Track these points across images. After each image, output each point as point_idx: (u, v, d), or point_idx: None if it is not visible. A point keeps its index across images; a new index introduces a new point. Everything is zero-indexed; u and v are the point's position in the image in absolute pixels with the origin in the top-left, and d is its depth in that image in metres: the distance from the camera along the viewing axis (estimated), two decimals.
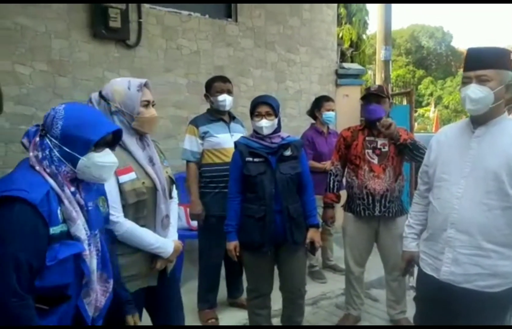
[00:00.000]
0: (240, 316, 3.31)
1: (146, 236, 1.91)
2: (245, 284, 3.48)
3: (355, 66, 6.28)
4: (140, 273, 1.93)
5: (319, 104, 4.07)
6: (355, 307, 3.30)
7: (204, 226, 3.27)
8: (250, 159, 2.60)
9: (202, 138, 3.22)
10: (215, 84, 3.29)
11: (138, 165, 1.91)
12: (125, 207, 1.86)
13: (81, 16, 3.82)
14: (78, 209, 1.40)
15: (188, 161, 3.25)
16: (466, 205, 1.87)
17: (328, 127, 4.11)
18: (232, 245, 2.64)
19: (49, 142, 1.37)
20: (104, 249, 1.54)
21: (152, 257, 1.96)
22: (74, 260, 1.38)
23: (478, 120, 1.91)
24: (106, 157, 1.45)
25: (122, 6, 3.90)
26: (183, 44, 4.48)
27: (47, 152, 1.36)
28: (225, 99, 3.22)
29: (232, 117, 3.40)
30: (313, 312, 3.51)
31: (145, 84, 1.94)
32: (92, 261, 1.45)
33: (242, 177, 2.62)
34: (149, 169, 1.93)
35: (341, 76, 5.80)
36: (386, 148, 3.08)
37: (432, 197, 2.06)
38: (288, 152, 2.64)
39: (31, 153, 1.36)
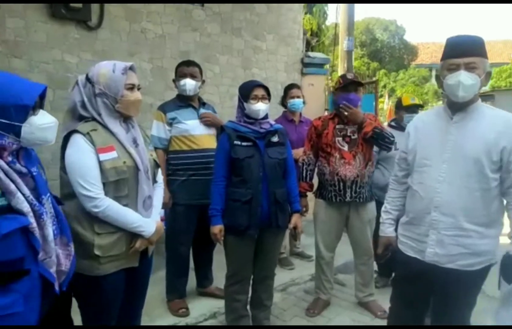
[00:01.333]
0: (210, 305, 3.28)
1: (128, 214, 1.90)
2: (215, 273, 3.48)
3: (320, 55, 6.35)
4: (122, 253, 1.92)
5: (285, 92, 4.08)
6: (325, 292, 3.36)
7: (171, 214, 3.20)
8: (238, 143, 2.60)
9: (170, 124, 3.14)
10: (179, 68, 3.24)
11: (121, 145, 1.91)
12: (105, 185, 1.85)
13: None
14: (19, 181, 1.33)
15: (155, 148, 3.16)
16: (448, 188, 1.94)
17: (300, 115, 4.12)
18: (217, 228, 2.62)
19: None
20: (59, 212, 1.51)
21: (133, 237, 1.94)
22: (22, 233, 1.32)
23: (456, 107, 1.97)
24: (46, 118, 1.45)
25: None
26: (148, 27, 4.32)
27: None
28: (185, 84, 3.14)
29: (202, 103, 3.33)
30: (283, 298, 3.55)
31: (131, 68, 1.94)
32: (48, 229, 1.40)
33: (229, 161, 2.61)
34: (132, 150, 1.92)
35: (307, 65, 5.84)
36: (356, 136, 3.14)
37: (412, 182, 2.12)
38: (275, 139, 2.70)
39: None
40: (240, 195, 2.60)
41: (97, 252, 1.84)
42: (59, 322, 1.61)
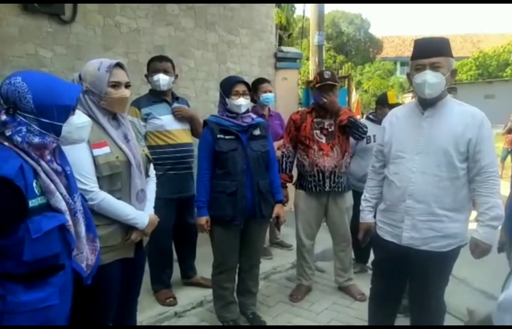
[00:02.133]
0: (196, 294, 3.35)
1: (123, 207, 1.96)
2: (199, 265, 3.54)
3: (293, 50, 6.46)
4: (117, 245, 1.97)
5: (255, 87, 4.03)
6: (306, 278, 3.49)
7: None
8: (221, 136, 2.67)
9: (145, 120, 3.15)
10: (152, 64, 3.26)
11: (112, 141, 1.95)
12: (100, 179, 1.90)
13: None
14: (57, 180, 1.38)
15: None
16: (421, 178, 2.11)
17: (269, 109, 4.18)
18: (204, 219, 2.69)
19: (23, 118, 1.32)
20: (86, 210, 1.57)
21: (128, 229, 2.00)
22: (59, 231, 1.38)
23: (427, 103, 2.14)
24: (82, 118, 1.53)
25: None
26: (122, 21, 4.27)
27: (23, 128, 1.31)
28: (159, 79, 3.16)
29: (176, 98, 3.35)
30: (266, 286, 3.65)
31: (118, 65, 1.96)
32: (81, 226, 1.48)
33: (213, 154, 2.67)
34: (123, 145, 1.97)
35: (280, 59, 5.93)
36: (332, 128, 3.27)
37: (388, 173, 2.28)
38: (257, 132, 2.79)
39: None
40: (225, 187, 2.68)
41: None
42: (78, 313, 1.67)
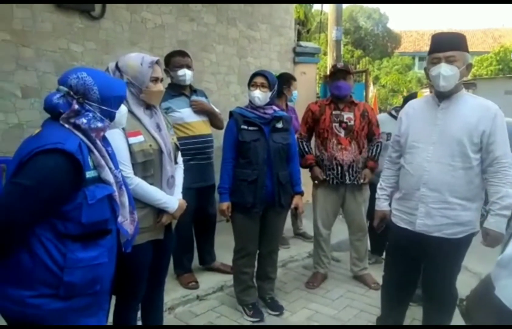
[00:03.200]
0: (217, 279, 3.51)
1: (155, 192, 2.11)
2: (218, 252, 3.70)
3: (311, 45, 6.56)
4: (149, 227, 2.13)
5: (288, 81, 4.22)
6: (322, 266, 3.62)
7: None
8: (245, 127, 2.81)
9: (165, 114, 3.29)
10: (174, 59, 3.35)
11: (146, 130, 2.11)
12: (134, 166, 2.06)
13: None
14: (107, 156, 1.60)
15: None
16: (435, 167, 2.21)
17: (287, 105, 4.31)
18: (225, 205, 2.85)
19: (90, 107, 1.56)
20: (126, 185, 1.78)
21: (159, 212, 2.16)
22: (108, 200, 1.60)
23: (443, 95, 2.24)
24: (123, 107, 1.77)
25: None
26: (148, 17, 4.45)
27: (90, 114, 1.55)
28: (185, 74, 3.29)
29: (194, 91, 3.47)
30: (283, 273, 3.80)
31: (156, 62, 2.13)
32: (125, 197, 1.71)
33: (236, 144, 2.82)
34: (156, 134, 2.13)
35: (299, 54, 6.04)
36: (352, 122, 3.37)
37: (404, 162, 2.38)
38: (280, 125, 2.90)
39: (65, 115, 1.52)
40: (246, 175, 2.83)
41: None
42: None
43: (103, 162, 1.57)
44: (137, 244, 2.05)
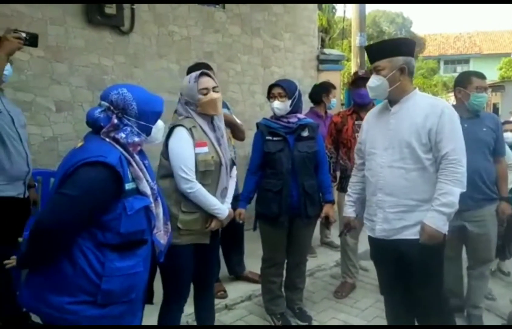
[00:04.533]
0: (246, 289, 3.54)
1: (212, 198, 2.28)
2: (246, 260, 3.72)
3: (335, 52, 6.56)
4: (196, 230, 2.29)
5: (328, 90, 4.33)
6: (350, 276, 3.59)
7: None
8: (270, 138, 2.84)
9: None
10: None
11: (211, 143, 2.28)
12: (195, 173, 2.22)
13: (75, 3, 3.82)
14: (144, 170, 1.67)
15: None
16: (388, 172, 2.21)
17: (326, 112, 4.37)
18: (238, 211, 2.86)
19: (128, 121, 1.63)
20: (162, 197, 1.85)
21: (208, 218, 2.30)
22: (145, 211, 1.68)
23: (392, 100, 2.26)
24: (160, 123, 1.80)
25: None
26: (174, 30, 4.55)
27: (128, 129, 1.62)
28: None
29: None
30: (311, 282, 3.78)
31: (204, 73, 2.29)
32: (160, 208, 1.78)
33: (261, 155, 2.85)
34: (218, 147, 2.30)
35: (323, 62, 6.04)
36: None
37: (365, 169, 2.40)
38: (305, 133, 2.88)
39: (106, 129, 1.61)
40: (272, 185, 2.85)
41: (179, 225, 2.21)
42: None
43: (141, 174, 1.64)
44: (182, 244, 2.21)
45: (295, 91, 2.86)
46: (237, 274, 3.70)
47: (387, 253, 2.30)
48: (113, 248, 1.57)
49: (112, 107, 1.62)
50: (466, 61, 29.74)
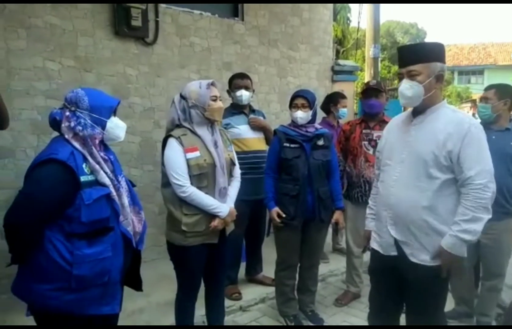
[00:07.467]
0: (260, 291, 3.68)
1: (207, 198, 2.42)
2: (264, 264, 3.86)
3: (349, 63, 6.69)
4: (203, 231, 2.45)
5: (335, 100, 4.47)
6: (354, 285, 3.67)
7: None
8: (287, 144, 3.00)
9: (224, 129, 3.54)
10: (234, 81, 3.66)
11: (204, 146, 2.43)
12: (191, 177, 2.39)
13: (104, 15, 4.04)
14: (102, 163, 1.81)
15: None
16: (400, 188, 2.05)
17: (338, 122, 4.51)
18: (274, 211, 3.01)
19: (80, 114, 1.79)
20: (131, 188, 2.00)
21: (212, 218, 2.44)
22: (107, 200, 1.80)
23: (417, 110, 2.09)
24: (120, 122, 1.93)
25: (143, 5, 4.14)
26: (196, 41, 4.75)
27: (81, 121, 1.78)
28: (242, 95, 3.57)
29: (252, 110, 3.74)
30: (323, 287, 3.91)
31: (212, 84, 2.46)
32: (124, 198, 1.89)
33: (279, 160, 3.02)
34: (212, 150, 2.45)
35: (337, 73, 6.19)
36: None
37: (379, 180, 2.28)
38: (321, 142, 3.04)
39: (63, 125, 1.77)
40: (288, 189, 3.01)
41: (184, 228, 2.39)
42: (132, 276, 2.07)
43: (97, 167, 1.79)
44: (191, 245, 2.41)
45: (315, 101, 3.05)
46: (252, 275, 3.84)
47: (389, 270, 2.16)
48: (80, 236, 1.72)
49: (66, 104, 1.80)
50: (480, 72, 29.54)
